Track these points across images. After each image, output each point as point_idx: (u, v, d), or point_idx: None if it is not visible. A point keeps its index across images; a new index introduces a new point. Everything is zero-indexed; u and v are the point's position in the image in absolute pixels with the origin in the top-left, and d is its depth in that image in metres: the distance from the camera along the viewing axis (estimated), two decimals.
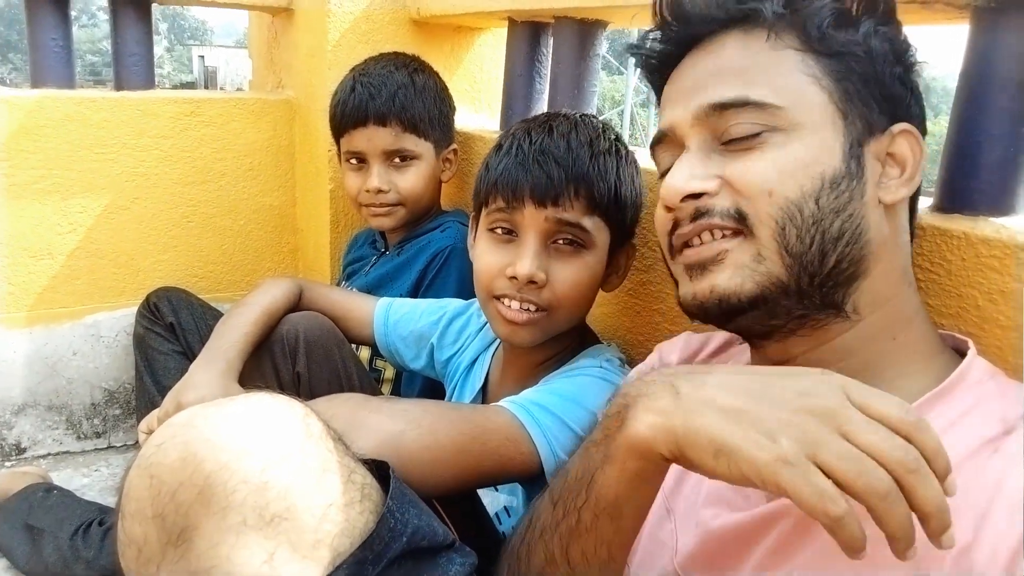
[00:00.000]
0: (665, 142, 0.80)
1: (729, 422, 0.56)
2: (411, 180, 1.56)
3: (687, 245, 0.75)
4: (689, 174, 0.73)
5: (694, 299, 0.74)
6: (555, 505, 0.71)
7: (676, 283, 0.80)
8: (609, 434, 0.64)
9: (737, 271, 0.71)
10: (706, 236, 0.73)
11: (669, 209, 0.76)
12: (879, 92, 0.73)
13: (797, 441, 0.53)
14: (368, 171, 1.56)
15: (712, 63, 0.76)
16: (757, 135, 0.71)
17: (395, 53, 1.65)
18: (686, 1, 0.78)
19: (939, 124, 1.06)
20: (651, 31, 0.83)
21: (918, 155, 0.74)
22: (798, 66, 0.72)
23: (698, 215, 0.73)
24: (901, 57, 0.74)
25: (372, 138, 1.54)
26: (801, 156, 0.70)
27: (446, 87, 1.65)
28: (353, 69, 1.61)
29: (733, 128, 0.72)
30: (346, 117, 1.55)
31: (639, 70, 0.88)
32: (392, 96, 1.52)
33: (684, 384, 0.60)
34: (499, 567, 0.79)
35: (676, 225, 0.76)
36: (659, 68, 0.83)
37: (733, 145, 0.73)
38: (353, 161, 1.58)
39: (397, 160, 1.55)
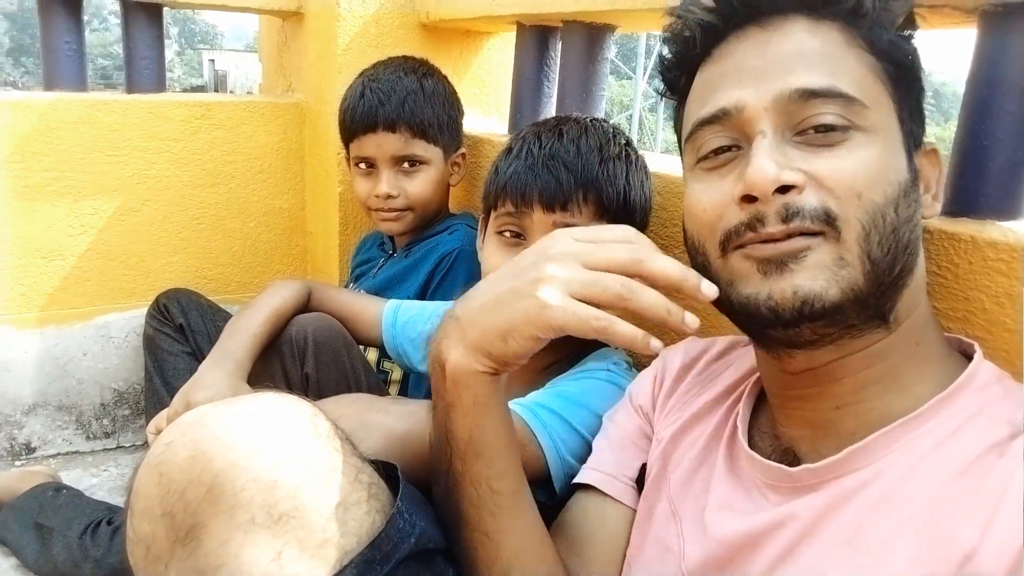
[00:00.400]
0: (721, 122, 0.71)
1: (497, 308, 0.68)
2: (420, 185, 1.56)
3: (761, 241, 0.68)
4: (779, 162, 0.66)
5: (768, 299, 0.66)
6: (436, 479, 0.78)
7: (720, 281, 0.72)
8: (439, 387, 0.73)
9: (819, 272, 0.65)
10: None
11: (748, 200, 0.67)
12: (916, 106, 0.72)
13: (549, 284, 0.65)
14: (377, 176, 1.56)
15: (788, 45, 0.69)
16: (844, 130, 0.66)
17: (404, 57, 1.65)
18: None
19: (948, 130, 1.05)
20: None
21: (939, 175, 0.75)
22: (871, 66, 0.69)
23: (789, 215, 0.65)
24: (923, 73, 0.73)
25: (381, 144, 1.54)
26: (883, 160, 0.67)
27: (455, 91, 1.65)
28: (362, 74, 1.61)
29: (817, 117, 0.67)
30: (355, 123, 1.56)
31: (666, 42, 0.81)
32: (401, 102, 1.52)
33: (459, 308, 0.72)
34: None
35: (756, 222, 0.67)
36: (702, 40, 0.75)
37: (811, 138, 0.67)
38: (362, 166, 1.59)
39: (406, 165, 1.56)
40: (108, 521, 1.42)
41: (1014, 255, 0.79)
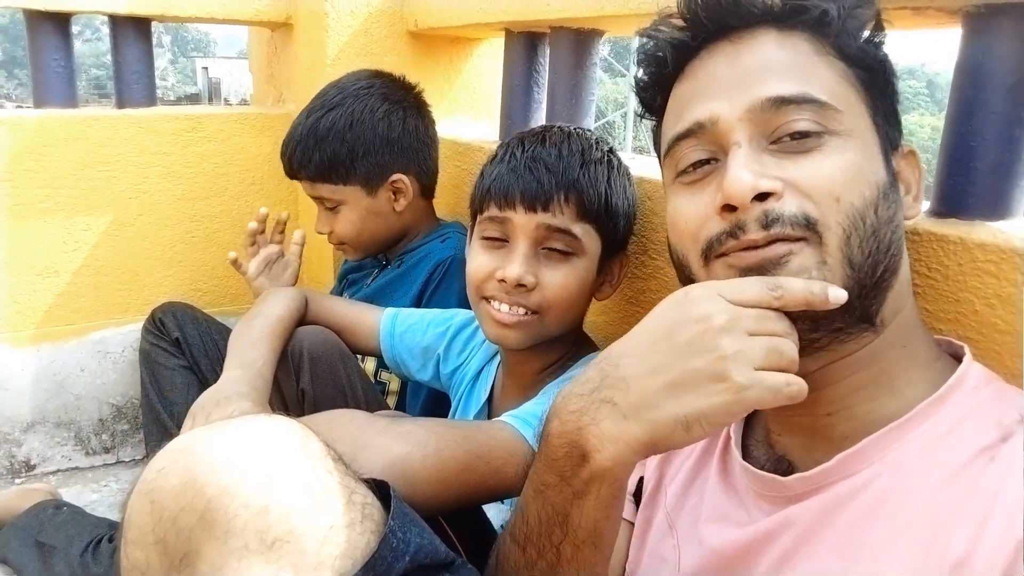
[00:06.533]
0: (697, 136, 0.72)
1: (678, 395, 0.61)
2: (342, 224, 1.54)
3: (743, 249, 0.68)
4: (755, 171, 0.66)
5: None
6: (524, 548, 0.71)
7: None
8: (568, 474, 0.65)
9: (802, 276, 0.65)
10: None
11: (729, 209, 0.67)
12: (890, 108, 0.72)
13: (736, 364, 0.60)
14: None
15: (757, 56, 0.70)
16: (818, 135, 0.67)
17: (322, 91, 1.55)
18: None
19: (941, 119, 1.06)
20: (669, 16, 0.77)
21: (918, 176, 0.75)
22: (841, 73, 0.70)
23: (769, 221, 0.66)
24: (895, 77, 0.74)
25: (303, 188, 1.58)
26: (859, 163, 0.67)
27: (373, 119, 1.50)
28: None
29: (791, 124, 0.67)
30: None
31: (639, 63, 0.81)
32: (292, 152, 1.51)
33: (612, 392, 0.64)
34: None
35: (736, 229, 0.67)
36: (674, 58, 0.76)
37: (787, 145, 0.68)
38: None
39: (326, 205, 1.55)
40: (109, 538, 1.42)
41: (1004, 256, 0.79)
